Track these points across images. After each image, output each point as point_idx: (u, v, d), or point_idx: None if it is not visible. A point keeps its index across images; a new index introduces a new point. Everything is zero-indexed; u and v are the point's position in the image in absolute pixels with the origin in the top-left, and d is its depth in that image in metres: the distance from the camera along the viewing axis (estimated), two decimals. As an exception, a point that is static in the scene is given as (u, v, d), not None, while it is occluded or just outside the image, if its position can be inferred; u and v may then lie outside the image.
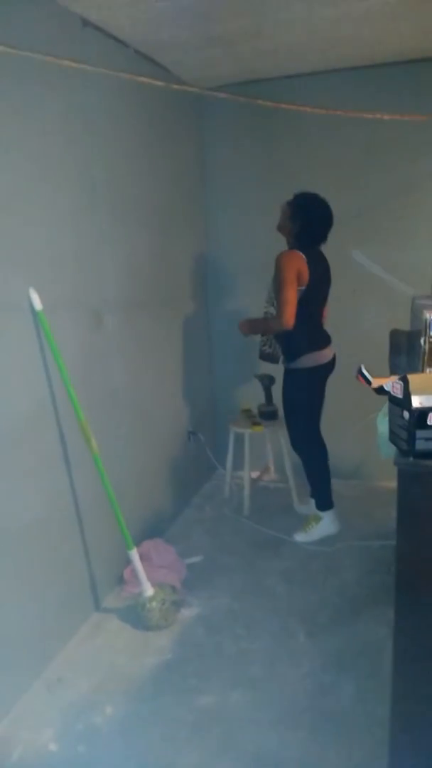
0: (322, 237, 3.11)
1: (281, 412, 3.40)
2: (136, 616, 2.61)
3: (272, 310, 3.18)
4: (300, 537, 3.34)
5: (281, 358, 3.27)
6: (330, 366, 3.22)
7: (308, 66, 3.39)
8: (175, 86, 2.82)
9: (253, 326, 3.31)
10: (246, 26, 2.71)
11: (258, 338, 3.40)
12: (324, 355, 3.17)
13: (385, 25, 2.78)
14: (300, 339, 3.10)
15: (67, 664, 2.40)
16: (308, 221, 3.05)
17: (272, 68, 3.40)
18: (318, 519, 3.36)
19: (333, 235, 3.17)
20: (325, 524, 3.35)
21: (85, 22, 2.50)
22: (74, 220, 2.50)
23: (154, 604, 2.58)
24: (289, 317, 2.96)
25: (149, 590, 2.59)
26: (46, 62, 1.90)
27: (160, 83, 2.05)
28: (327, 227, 3.09)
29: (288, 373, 3.24)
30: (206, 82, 3.53)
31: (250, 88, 3.57)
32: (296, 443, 3.36)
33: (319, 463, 3.34)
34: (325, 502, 3.35)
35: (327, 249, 3.20)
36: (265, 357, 3.39)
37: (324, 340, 3.20)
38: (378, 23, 2.74)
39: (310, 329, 3.13)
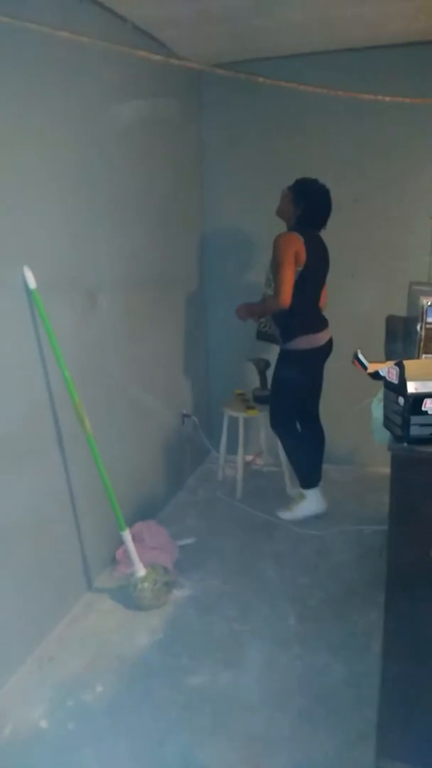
0: (323, 222, 3.12)
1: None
2: (128, 596, 2.62)
3: (270, 292, 3.16)
4: (284, 515, 3.39)
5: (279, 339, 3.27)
6: (326, 349, 3.21)
7: (308, 46, 3.33)
8: (174, 60, 2.77)
9: (250, 310, 3.31)
10: (245, 3, 2.65)
11: (255, 320, 3.39)
12: (319, 338, 3.16)
13: (387, 6, 2.73)
14: (296, 320, 3.10)
15: (58, 642, 2.41)
16: (310, 206, 3.07)
17: (271, 47, 3.35)
18: (302, 497, 3.39)
19: (331, 220, 3.14)
20: (309, 502, 3.38)
21: (83, -5, 2.44)
22: (70, 199, 2.47)
23: (146, 584, 2.59)
24: (286, 296, 2.96)
25: (141, 571, 2.60)
26: (43, 34, 1.86)
27: (158, 57, 2.02)
28: (327, 212, 3.10)
29: (282, 353, 3.24)
30: (205, 60, 3.46)
31: (249, 66, 3.51)
32: (274, 423, 3.38)
33: (296, 444, 3.37)
34: (307, 480, 3.38)
35: (325, 233, 3.17)
36: (264, 337, 3.38)
37: (320, 324, 3.19)
38: (379, 3, 2.69)
39: (306, 311, 3.13)
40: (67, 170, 2.43)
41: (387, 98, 2.10)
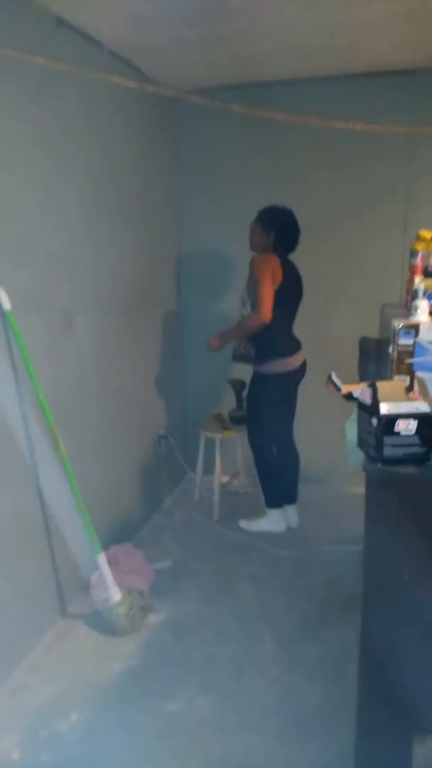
0: (295, 242, 3.18)
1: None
2: (102, 621, 2.58)
3: (245, 312, 3.18)
4: (243, 523, 3.47)
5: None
6: (299, 372, 3.25)
7: (282, 74, 3.41)
8: (149, 87, 2.81)
9: (225, 336, 3.29)
10: (220, 32, 2.72)
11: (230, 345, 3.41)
12: (292, 362, 3.19)
13: (358, 36, 2.81)
14: (270, 343, 3.13)
15: (31, 670, 2.36)
16: (281, 230, 3.14)
17: (247, 74, 3.42)
18: (264, 513, 3.44)
19: (305, 243, 3.20)
20: (268, 521, 3.44)
21: (60, 21, 2.47)
22: (45, 219, 2.47)
23: (121, 609, 2.55)
24: (267, 311, 2.99)
25: (117, 595, 2.57)
26: (19, 59, 1.88)
27: (133, 84, 2.04)
28: (298, 232, 3.18)
29: (255, 376, 3.27)
30: (181, 86, 3.53)
31: (225, 93, 3.58)
32: (252, 442, 3.41)
33: (267, 463, 3.40)
34: (270, 500, 3.43)
35: (300, 256, 3.22)
36: (240, 358, 3.39)
37: (293, 347, 3.22)
38: (350, 34, 2.77)
39: (280, 333, 3.16)
40: (42, 191, 2.44)
41: (358, 126, 2.15)
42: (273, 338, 3.12)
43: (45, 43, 2.39)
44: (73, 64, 2.27)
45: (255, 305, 3.04)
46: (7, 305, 2.17)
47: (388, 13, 2.52)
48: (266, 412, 3.29)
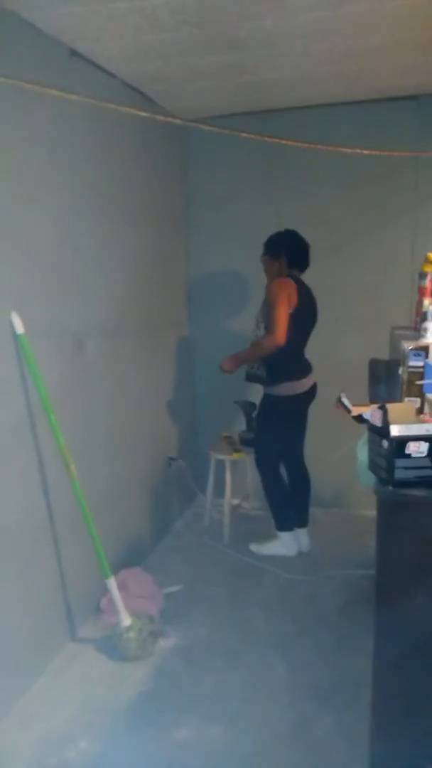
0: (307, 258, 3.23)
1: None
2: (112, 646, 2.56)
3: (260, 333, 3.20)
4: (254, 547, 3.44)
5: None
6: (309, 395, 3.25)
7: (291, 100, 3.47)
8: (159, 117, 2.87)
9: (238, 358, 3.28)
10: (230, 62, 2.77)
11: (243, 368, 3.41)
12: (302, 385, 3.20)
13: (364, 64, 2.86)
14: (281, 365, 3.14)
15: (41, 696, 2.34)
16: (290, 251, 3.18)
17: (256, 102, 3.48)
18: (274, 537, 3.40)
19: (315, 267, 3.22)
20: (279, 544, 3.40)
21: (73, 52, 2.54)
22: (58, 244, 2.51)
23: (131, 634, 2.53)
24: (281, 333, 3.00)
25: (126, 620, 2.55)
26: (33, 90, 1.93)
27: (143, 113, 2.09)
28: (306, 248, 3.23)
29: (265, 398, 3.27)
30: (192, 113, 3.59)
31: (234, 120, 3.64)
32: (259, 463, 3.41)
33: (274, 484, 3.38)
34: (280, 523, 3.40)
35: (309, 279, 3.25)
36: (253, 378, 3.38)
37: (304, 370, 3.24)
38: (358, 61, 2.82)
39: (292, 357, 3.17)
40: (55, 217, 2.48)
41: (365, 151, 2.18)
42: (284, 361, 3.13)
43: (58, 74, 2.46)
44: (85, 95, 2.32)
45: (270, 328, 3.05)
46: (20, 329, 2.19)
47: (393, 41, 2.56)
48: (274, 434, 3.29)
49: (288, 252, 3.19)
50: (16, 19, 2.17)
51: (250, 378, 3.41)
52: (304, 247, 3.22)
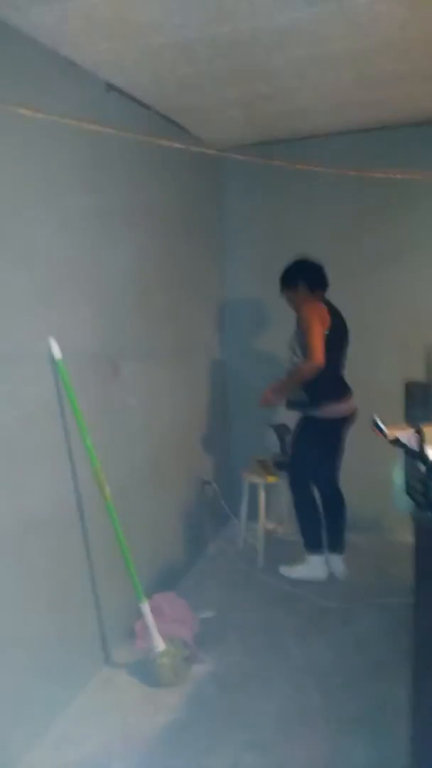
0: (325, 278, 3.25)
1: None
2: (146, 671, 2.55)
3: (296, 359, 3.21)
4: (283, 569, 3.41)
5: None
6: (350, 419, 3.22)
7: (322, 127, 3.51)
8: (193, 148, 2.93)
9: (280, 389, 3.25)
10: (262, 91, 2.83)
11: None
12: (345, 408, 3.20)
13: (396, 89, 2.89)
14: (323, 387, 3.14)
15: (74, 720, 2.33)
16: (306, 278, 3.22)
17: (288, 130, 3.53)
18: (304, 560, 3.37)
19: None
20: (309, 568, 3.37)
21: (110, 87, 2.62)
22: (95, 271, 2.57)
23: (165, 659, 2.51)
24: (320, 355, 3.01)
25: (161, 645, 2.53)
26: (70, 125, 2.00)
27: (178, 145, 2.14)
28: (320, 269, 3.24)
29: (307, 420, 3.26)
30: (225, 143, 3.67)
31: (267, 149, 3.70)
32: (293, 484, 3.38)
33: (305, 506, 3.36)
34: (310, 545, 3.37)
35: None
36: (296, 405, 3.32)
37: (345, 391, 3.23)
38: (389, 87, 2.85)
39: (331, 377, 3.19)
40: (93, 246, 2.54)
41: (398, 174, 2.19)
42: (324, 382, 3.13)
43: (95, 108, 2.54)
44: (122, 127, 2.40)
45: (308, 352, 3.05)
46: (58, 355, 2.24)
47: (425, 66, 2.58)
48: (310, 455, 3.28)
49: (304, 278, 3.22)
50: (54, 57, 2.26)
51: (292, 406, 3.34)
52: (318, 268, 3.25)
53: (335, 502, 3.40)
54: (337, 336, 3.17)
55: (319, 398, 3.17)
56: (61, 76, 2.31)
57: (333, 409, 3.18)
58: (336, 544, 3.41)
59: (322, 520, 3.39)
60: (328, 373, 3.12)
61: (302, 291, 3.23)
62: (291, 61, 2.46)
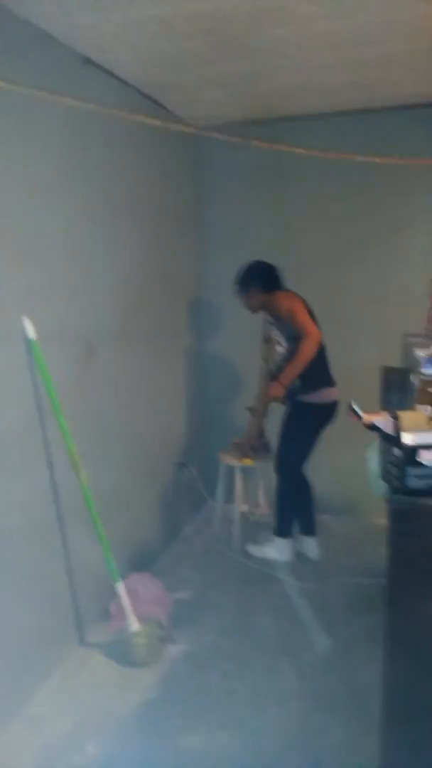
0: (279, 280, 3.27)
1: (273, 446, 3.42)
2: (121, 651, 2.56)
3: (279, 350, 3.21)
4: (251, 548, 3.48)
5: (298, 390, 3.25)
6: (335, 408, 3.24)
7: (305, 109, 3.48)
8: (171, 125, 2.88)
9: (286, 378, 3.17)
10: (243, 70, 2.79)
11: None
12: (334, 393, 3.24)
13: (381, 72, 2.86)
14: (316, 372, 3.17)
15: (49, 700, 2.34)
16: (262, 280, 3.25)
17: (269, 110, 3.49)
18: (272, 541, 3.43)
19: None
20: (274, 549, 3.42)
21: (87, 61, 2.56)
22: (69, 251, 2.53)
23: (140, 639, 2.53)
24: (315, 330, 3.06)
25: (135, 625, 2.55)
26: (46, 99, 1.94)
27: (156, 122, 2.10)
28: (274, 270, 3.26)
29: (299, 405, 3.26)
30: (205, 122, 3.61)
31: (248, 129, 3.65)
32: (282, 469, 3.38)
33: (290, 493, 3.38)
34: (280, 529, 3.42)
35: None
36: (287, 396, 3.27)
37: (333, 377, 3.27)
38: (373, 70, 2.82)
39: (323, 362, 3.23)
40: (67, 224, 2.50)
41: (378, 159, 2.18)
42: (319, 367, 3.17)
43: (72, 83, 2.48)
44: (99, 103, 2.34)
45: (302, 331, 3.07)
46: (32, 334, 2.21)
47: (410, 49, 2.56)
48: (301, 441, 3.31)
49: (261, 283, 3.25)
50: (29, 28, 2.20)
51: (287, 396, 3.26)
52: (272, 270, 3.27)
53: (307, 486, 3.43)
54: (314, 321, 3.17)
55: (314, 383, 3.19)
56: (35, 48, 2.25)
57: (325, 394, 3.21)
58: (309, 527, 3.45)
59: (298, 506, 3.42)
60: (319, 356, 3.15)
61: (258, 294, 3.26)
62: (272, 40, 2.42)
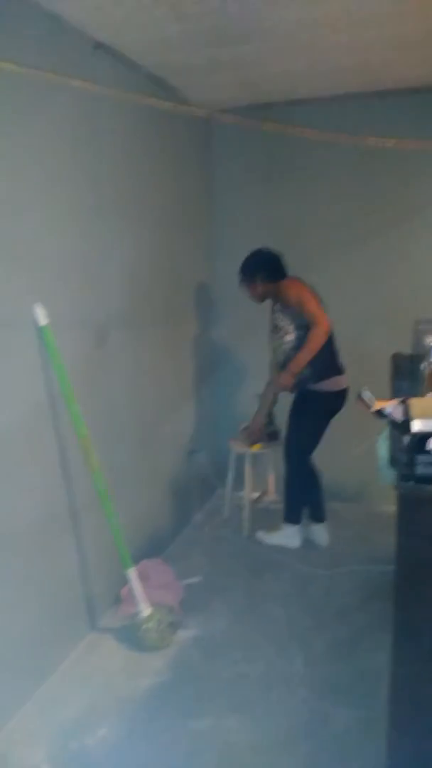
0: (284, 270, 3.25)
1: (283, 433, 3.42)
2: (132, 636, 2.58)
3: (288, 339, 3.19)
4: (260, 535, 3.50)
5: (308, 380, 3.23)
6: (344, 396, 3.23)
7: (316, 91, 3.44)
8: (183, 107, 2.86)
9: (295, 367, 3.15)
10: (253, 52, 2.75)
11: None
12: (343, 381, 3.23)
13: (391, 54, 2.82)
14: (326, 360, 3.16)
15: (61, 683, 2.37)
16: (265, 270, 3.24)
17: (279, 93, 3.45)
18: (281, 528, 3.45)
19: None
20: (284, 536, 3.43)
21: (98, 44, 2.54)
22: (81, 237, 2.52)
23: (150, 624, 2.55)
24: (324, 319, 3.04)
25: (146, 610, 2.57)
26: (57, 82, 1.93)
27: (166, 104, 2.09)
28: (279, 260, 3.24)
29: (309, 394, 3.25)
30: (215, 105, 3.58)
31: (257, 111, 3.62)
32: (292, 458, 3.38)
33: (300, 481, 3.39)
34: (291, 516, 3.43)
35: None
36: (301, 383, 3.26)
37: (342, 365, 3.25)
38: (384, 52, 2.78)
39: (332, 350, 3.22)
40: (77, 210, 2.49)
41: (391, 143, 2.15)
42: (327, 355, 3.16)
43: (83, 66, 2.46)
44: (110, 86, 2.33)
45: (311, 320, 3.05)
46: (43, 321, 2.21)
47: (422, 31, 2.52)
48: (309, 429, 3.31)
49: (262, 274, 3.24)
50: (39, 11, 2.18)
51: (296, 385, 3.25)
52: (276, 259, 3.25)
53: (315, 473, 3.43)
54: (323, 306, 3.16)
55: (324, 371, 3.18)
56: (46, 31, 2.23)
57: (336, 382, 3.20)
58: (318, 514, 3.45)
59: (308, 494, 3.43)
60: (330, 346, 3.14)
61: (259, 284, 3.25)
62: (282, 21, 2.39)
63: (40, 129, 2.22)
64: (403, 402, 1.66)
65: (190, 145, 3.63)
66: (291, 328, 3.18)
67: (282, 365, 3.27)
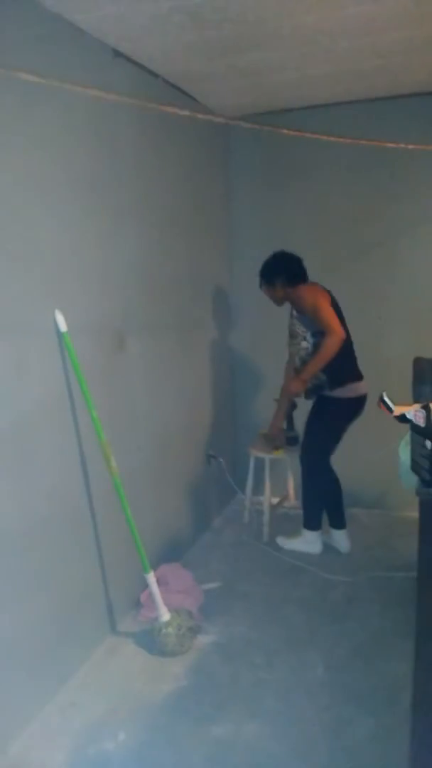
0: (304, 273, 3.24)
1: (302, 438, 3.40)
2: (151, 641, 2.58)
3: (304, 345, 3.18)
4: (280, 540, 3.48)
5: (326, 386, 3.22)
6: (363, 402, 3.20)
7: (333, 96, 3.43)
8: (200, 115, 2.88)
9: (305, 375, 3.16)
10: (271, 59, 2.76)
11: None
12: (363, 386, 3.20)
13: (409, 58, 2.81)
14: (343, 367, 3.13)
15: (80, 687, 2.38)
16: (288, 273, 3.22)
17: (297, 99, 3.45)
18: (301, 533, 3.43)
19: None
20: (304, 542, 3.42)
21: (117, 53, 2.57)
22: (101, 244, 2.54)
23: (170, 629, 2.55)
24: (339, 328, 3.01)
25: (166, 615, 2.57)
26: (76, 91, 1.95)
27: (184, 112, 2.10)
28: (300, 262, 3.23)
29: (327, 400, 3.24)
30: (233, 111, 3.59)
31: (275, 117, 3.62)
32: (310, 463, 3.36)
33: (318, 487, 3.37)
34: (310, 522, 3.41)
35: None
36: (315, 390, 3.26)
37: (360, 371, 3.23)
38: (401, 56, 2.77)
39: (350, 355, 3.19)
40: (98, 217, 2.51)
41: (410, 146, 2.14)
42: (345, 361, 3.13)
43: (102, 74, 2.49)
44: (128, 94, 2.35)
45: (325, 328, 3.03)
46: (63, 327, 2.23)
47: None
48: (326, 435, 3.29)
49: (282, 277, 3.23)
50: (60, 21, 2.21)
51: (311, 392, 3.26)
52: (297, 262, 3.24)
53: (334, 479, 3.41)
54: (340, 314, 3.13)
55: (342, 379, 3.16)
56: (65, 41, 2.26)
57: (353, 388, 3.18)
58: (338, 520, 3.43)
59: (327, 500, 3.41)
60: (347, 351, 3.12)
61: (283, 288, 3.24)
62: (302, 27, 2.39)
63: (60, 138, 2.24)
64: (425, 407, 1.64)
65: (208, 152, 3.64)
66: (307, 334, 3.17)
67: (297, 371, 3.27)
